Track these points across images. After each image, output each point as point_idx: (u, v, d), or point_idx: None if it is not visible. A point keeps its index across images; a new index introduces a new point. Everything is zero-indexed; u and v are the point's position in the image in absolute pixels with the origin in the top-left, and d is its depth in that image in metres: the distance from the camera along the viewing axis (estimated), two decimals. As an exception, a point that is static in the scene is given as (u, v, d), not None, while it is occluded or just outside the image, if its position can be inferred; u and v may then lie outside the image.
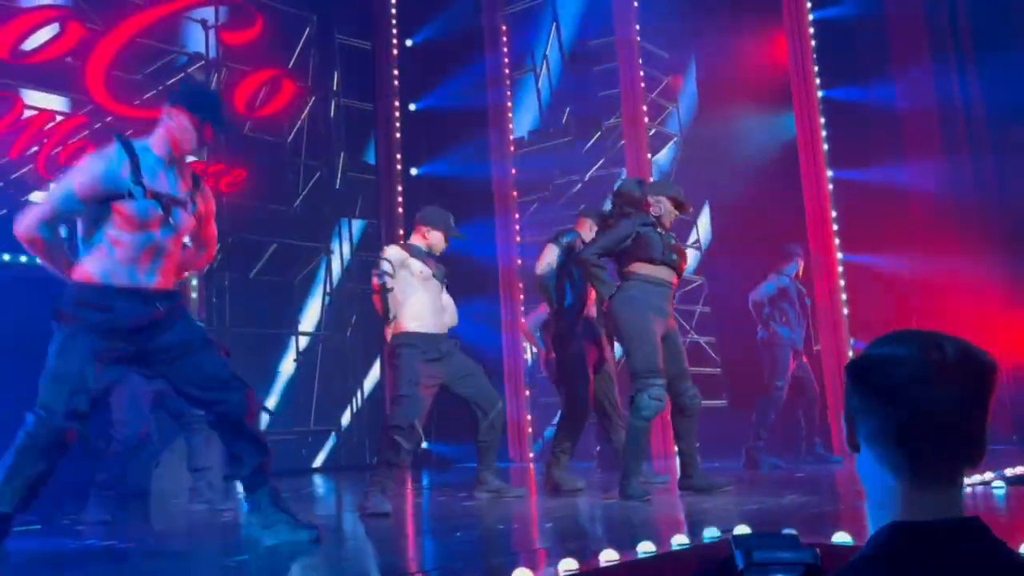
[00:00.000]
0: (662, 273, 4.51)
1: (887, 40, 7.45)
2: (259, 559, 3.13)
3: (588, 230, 5.34)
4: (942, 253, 6.69)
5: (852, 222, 7.18)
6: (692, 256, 9.10)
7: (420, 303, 4.57)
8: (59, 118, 6.99)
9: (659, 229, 4.61)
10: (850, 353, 7.14)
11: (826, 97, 7.49)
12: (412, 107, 9.79)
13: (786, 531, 2.39)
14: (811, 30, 7.57)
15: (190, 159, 3.62)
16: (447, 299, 4.88)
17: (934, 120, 7.20)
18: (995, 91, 6.85)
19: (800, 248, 6.79)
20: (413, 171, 9.70)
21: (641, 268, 4.50)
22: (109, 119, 7.08)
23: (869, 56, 7.47)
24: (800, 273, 6.74)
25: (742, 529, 2.75)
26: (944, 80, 7.15)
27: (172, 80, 7.94)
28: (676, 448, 4.88)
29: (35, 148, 6.81)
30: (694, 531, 2.97)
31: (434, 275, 4.72)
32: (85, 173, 3.01)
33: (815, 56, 7.50)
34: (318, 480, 7.51)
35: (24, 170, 6.85)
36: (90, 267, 3.02)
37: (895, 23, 7.42)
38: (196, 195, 3.22)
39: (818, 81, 7.49)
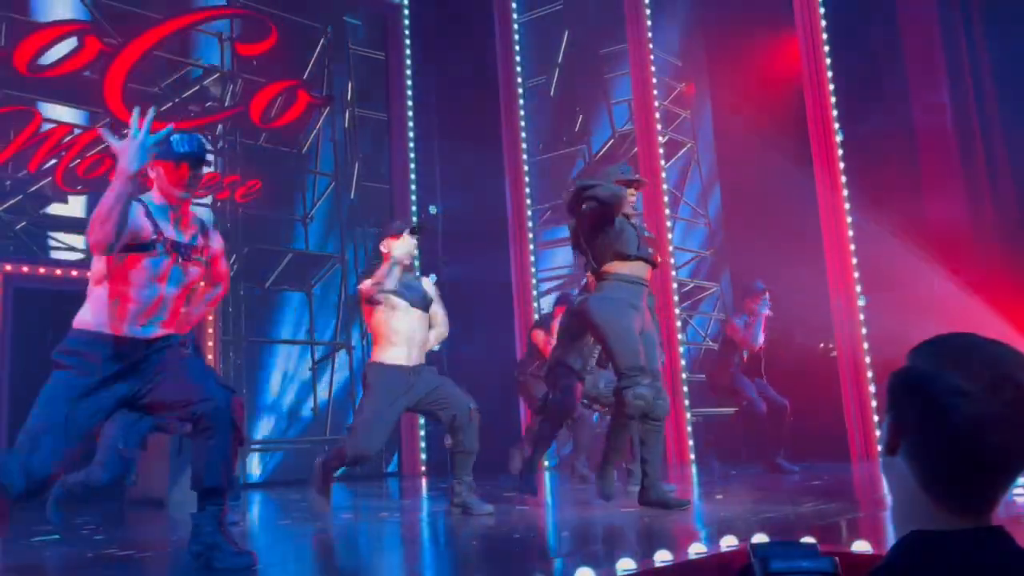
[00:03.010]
0: (637, 270, 4.41)
1: (903, 55, 7.41)
2: (273, 567, 3.13)
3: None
4: (959, 258, 6.62)
5: (868, 226, 7.13)
6: (704, 262, 9.08)
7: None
8: (77, 131, 7.07)
9: (632, 221, 4.50)
10: (867, 359, 7.08)
11: (839, 108, 7.44)
12: (425, 115, 9.82)
13: (805, 539, 2.38)
14: (825, 46, 7.52)
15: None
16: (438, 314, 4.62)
17: (949, 129, 7.15)
18: (1014, 108, 6.81)
19: (763, 284, 6.80)
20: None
21: (617, 267, 4.39)
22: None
23: (885, 68, 7.44)
24: (768, 311, 6.74)
25: (760, 537, 2.73)
26: (961, 101, 7.11)
27: (188, 92, 8.02)
28: (638, 455, 4.63)
29: (53, 161, 6.89)
30: (712, 539, 2.95)
31: (410, 302, 4.43)
32: None
33: (828, 64, 7.47)
34: (333, 489, 7.48)
35: (43, 183, 6.94)
36: (88, 316, 3.03)
37: (911, 41, 7.39)
38: (204, 240, 3.26)
39: (831, 87, 7.45)
